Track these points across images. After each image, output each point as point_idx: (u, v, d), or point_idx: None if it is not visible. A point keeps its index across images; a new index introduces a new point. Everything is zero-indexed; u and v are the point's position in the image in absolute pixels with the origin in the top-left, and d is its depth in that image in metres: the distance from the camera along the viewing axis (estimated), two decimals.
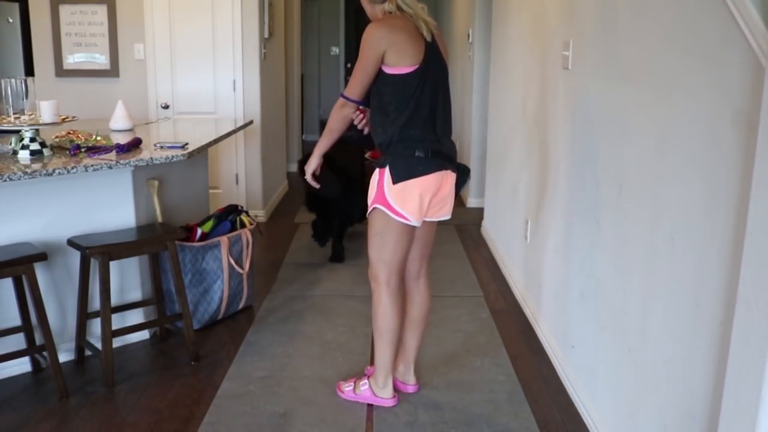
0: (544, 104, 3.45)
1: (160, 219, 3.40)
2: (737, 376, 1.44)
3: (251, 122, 4.87)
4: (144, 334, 3.40)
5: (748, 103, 1.56)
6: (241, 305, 3.74)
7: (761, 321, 1.36)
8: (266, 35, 5.63)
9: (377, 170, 2.58)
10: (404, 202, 2.51)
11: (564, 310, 3.05)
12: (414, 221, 2.56)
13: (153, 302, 3.37)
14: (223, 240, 3.53)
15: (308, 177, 2.79)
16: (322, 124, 10.39)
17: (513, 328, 3.57)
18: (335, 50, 10.38)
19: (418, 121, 2.51)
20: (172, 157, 3.12)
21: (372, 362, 3.12)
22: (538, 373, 3.10)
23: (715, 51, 1.73)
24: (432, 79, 2.51)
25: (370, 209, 2.61)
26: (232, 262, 3.56)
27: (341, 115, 2.59)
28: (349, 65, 10.39)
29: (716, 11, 1.69)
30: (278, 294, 4.05)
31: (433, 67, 2.51)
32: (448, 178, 2.60)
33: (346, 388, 2.86)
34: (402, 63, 2.45)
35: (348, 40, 10.32)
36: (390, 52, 2.44)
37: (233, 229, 3.67)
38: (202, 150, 3.45)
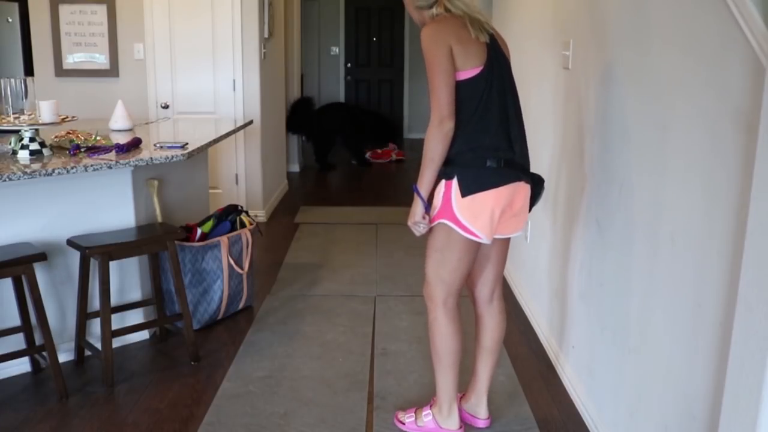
0: (544, 104, 3.45)
1: (159, 219, 3.40)
2: (738, 376, 1.44)
3: (251, 122, 4.86)
4: (144, 335, 3.40)
5: (748, 102, 1.56)
6: (241, 305, 3.74)
7: (762, 321, 1.35)
8: (266, 35, 5.62)
9: (443, 182, 2.29)
10: (475, 218, 2.25)
11: (564, 311, 3.05)
12: (484, 238, 2.29)
13: (153, 302, 3.37)
14: (223, 240, 3.53)
15: (418, 231, 2.37)
16: None
17: (513, 329, 3.57)
18: (335, 50, 10.38)
19: (489, 127, 2.25)
20: (172, 157, 3.12)
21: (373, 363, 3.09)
22: (538, 373, 3.09)
23: (715, 51, 1.72)
24: (499, 80, 2.27)
25: (433, 223, 2.34)
26: (232, 262, 3.56)
27: (441, 136, 2.21)
28: (349, 65, 10.40)
29: (716, 11, 1.68)
30: (278, 294, 4.05)
31: (498, 67, 2.27)
32: (522, 190, 2.34)
33: (407, 419, 2.61)
34: (467, 65, 2.21)
35: (348, 40, 10.33)
36: (456, 50, 2.19)
37: (233, 229, 3.67)
38: (202, 150, 3.45)
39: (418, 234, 2.38)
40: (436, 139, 2.22)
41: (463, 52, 2.20)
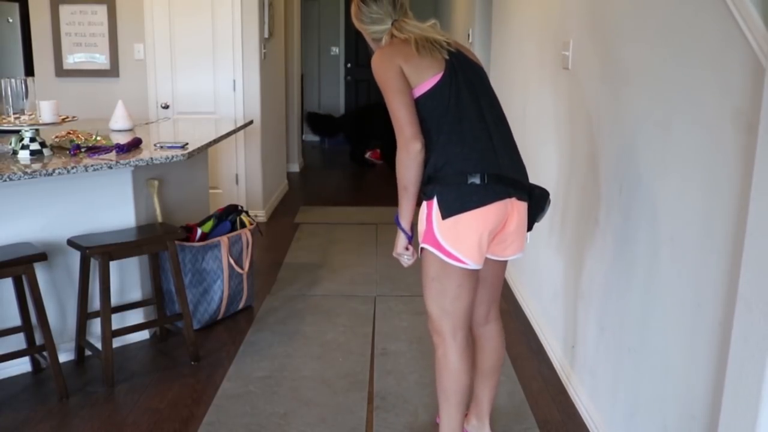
0: (544, 104, 3.45)
1: (160, 219, 3.40)
2: (737, 376, 1.44)
3: (251, 122, 4.87)
4: (144, 334, 3.40)
5: (748, 103, 1.56)
6: (241, 305, 3.74)
7: (761, 321, 1.36)
8: (266, 35, 5.63)
9: (424, 203, 2.12)
10: (457, 241, 2.05)
11: (564, 310, 3.05)
12: (472, 264, 2.09)
13: (153, 302, 3.37)
14: (223, 240, 3.53)
15: (404, 262, 2.26)
16: None
17: (513, 328, 3.57)
18: (335, 50, 10.38)
19: (465, 136, 2.08)
20: (172, 157, 3.12)
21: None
22: (538, 373, 3.10)
23: (715, 51, 1.73)
24: (467, 86, 2.12)
25: (420, 249, 2.17)
26: (232, 262, 3.56)
27: (409, 160, 2.06)
28: (349, 65, 10.40)
29: (716, 11, 1.69)
30: (278, 294, 4.05)
31: (463, 72, 2.13)
32: (515, 207, 2.13)
33: None
34: (423, 77, 2.08)
35: (348, 40, 10.33)
36: (407, 68, 2.08)
37: (233, 229, 3.67)
38: (202, 150, 3.45)
39: (405, 265, 2.27)
40: (404, 164, 2.08)
41: (414, 69, 2.08)
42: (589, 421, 2.64)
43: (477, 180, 2.06)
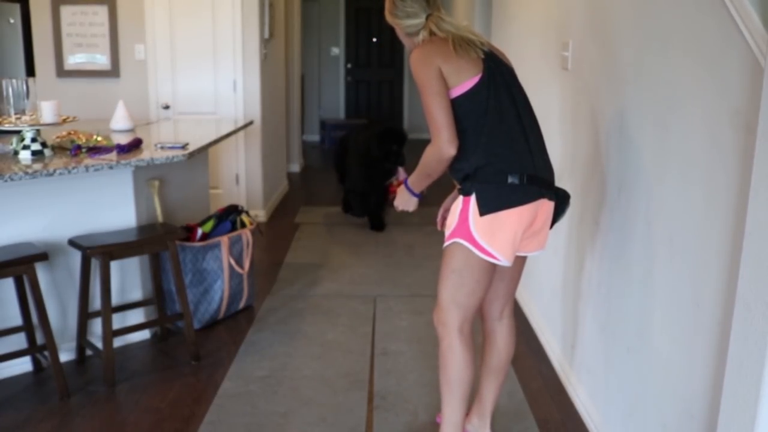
0: (544, 105, 3.46)
1: (160, 219, 3.41)
2: (736, 376, 1.45)
3: (251, 123, 4.87)
4: (145, 334, 3.41)
5: (746, 103, 1.57)
6: (242, 305, 3.75)
7: (760, 320, 1.36)
8: (266, 36, 5.63)
9: (460, 198, 2.15)
10: (493, 238, 2.10)
11: (563, 310, 3.06)
12: (504, 260, 2.14)
13: (153, 302, 3.37)
14: (224, 240, 3.54)
15: (400, 207, 2.40)
16: (323, 124, 10.38)
17: None
18: (335, 50, 10.39)
19: (504, 136, 2.13)
20: (173, 157, 3.13)
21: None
22: (538, 373, 3.10)
23: (714, 51, 1.73)
24: (504, 85, 2.15)
25: (447, 242, 2.20)
26: (233, 262, 3.57)
27: (441, 161, 2.14)
28: (349, 66, 10.40)
29: (715, 12, 1.69)
30: (278, 294, 4.05)
31: (500, 74, 2.16)
32: (544, 207, 2.19)
33: None
34: (462, 78, 2.11)
35: (348, 40, 10.34)
36: (446, 68, 2.10)
37: (233, 229, 3.68)
38: (203, 150, 3.46)
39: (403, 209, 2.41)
40: (435, 161, 2.14)
41: (454, 70, 2.11)
42: (589, 421, 2.65)
43: (516, 180, 2.11)
